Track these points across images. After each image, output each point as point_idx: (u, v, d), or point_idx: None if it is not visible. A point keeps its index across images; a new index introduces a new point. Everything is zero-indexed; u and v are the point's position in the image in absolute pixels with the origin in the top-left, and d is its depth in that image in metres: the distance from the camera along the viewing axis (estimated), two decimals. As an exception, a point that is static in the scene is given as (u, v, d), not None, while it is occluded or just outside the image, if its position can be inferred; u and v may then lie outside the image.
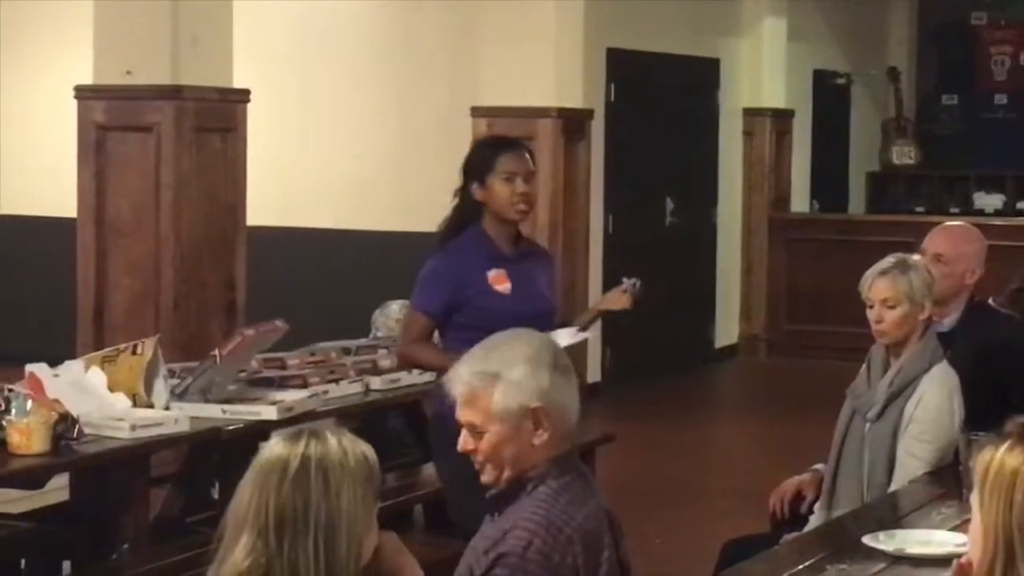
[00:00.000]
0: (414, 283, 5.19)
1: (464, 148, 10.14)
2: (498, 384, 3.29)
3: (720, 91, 13.13)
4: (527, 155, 5.22)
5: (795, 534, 4.68)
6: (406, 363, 5.67)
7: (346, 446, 2.79)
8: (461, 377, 3.33)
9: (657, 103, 12.12)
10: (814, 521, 4.92)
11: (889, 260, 4.89)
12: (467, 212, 5.18)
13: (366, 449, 2.83)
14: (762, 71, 13.54)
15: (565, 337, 4.95)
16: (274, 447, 2.80)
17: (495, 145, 5.27)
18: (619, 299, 5.31)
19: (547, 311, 5.15)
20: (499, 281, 5.09)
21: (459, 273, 5.09)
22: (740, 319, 13.57)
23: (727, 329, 13.39)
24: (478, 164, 5.17)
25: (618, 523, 3.41)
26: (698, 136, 12.92)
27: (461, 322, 5.05)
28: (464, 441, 3.35)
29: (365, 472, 2.79)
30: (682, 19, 12.37)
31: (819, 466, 5.11)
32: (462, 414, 3.34)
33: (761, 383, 12.95)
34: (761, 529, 5.22)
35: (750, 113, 13.54)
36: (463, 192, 5.21)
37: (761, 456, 9.72)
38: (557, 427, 3.33)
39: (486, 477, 3.36)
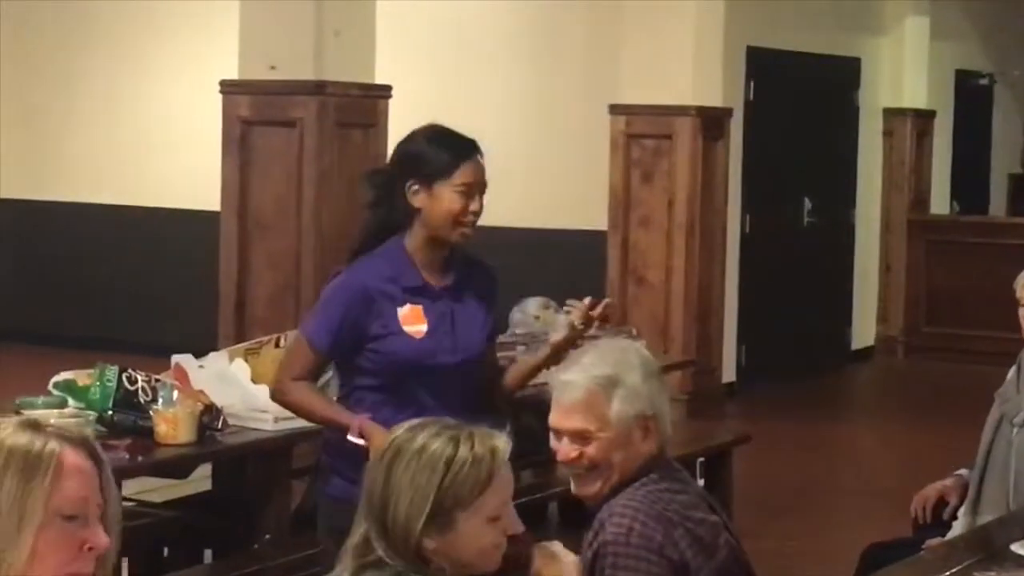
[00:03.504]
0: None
1: (603, 147, 10.38)
2: (617, 390, 3.26)
3: (860, 90, 12.99)
4: (483, 163, 4.19)
5: (939, 540, 4.63)
6: (278, 401, 4.41)
7: (423, 443, 2.77)
8: (576, 382, 3.28)
9: (796, 102, 12.01)
10: (958, 527, 4.85)
11: (1049, 261, 4.85)
12: (394, 219, 4.12)
13: (440, 445, 2.77)
14: (903, 70, 13.38)
15: None
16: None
17: (455, 146, 4.17)
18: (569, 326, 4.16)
19: (479, 356, 4.17)
20: (412, 320, 4.06)
21: (364, 301, 4.07)
22: (877, 321, 13.43)
23: (864, 330, 13.25)
24: (432, 163, 4.10)
25: (720, 506, 3.39)
26: (837, 135, 12.79)
27: (363, 366, 4.12)
28: (566, 450, 3.30)
29: (428, 466, 2.76)
30: (823, 17, 12.26)
31: (963, 471, 5.05)
32: (569, 420, 3.28)
33: (899, 385, 12.81)
34: (901, 533, 5.17)
35: (890, 113, 13.39)
36: (391, 191, 4.13)
37: (899, 459, 9.63)
38: (661, 435, 3.32)
39: (585, 489, 3.31)
